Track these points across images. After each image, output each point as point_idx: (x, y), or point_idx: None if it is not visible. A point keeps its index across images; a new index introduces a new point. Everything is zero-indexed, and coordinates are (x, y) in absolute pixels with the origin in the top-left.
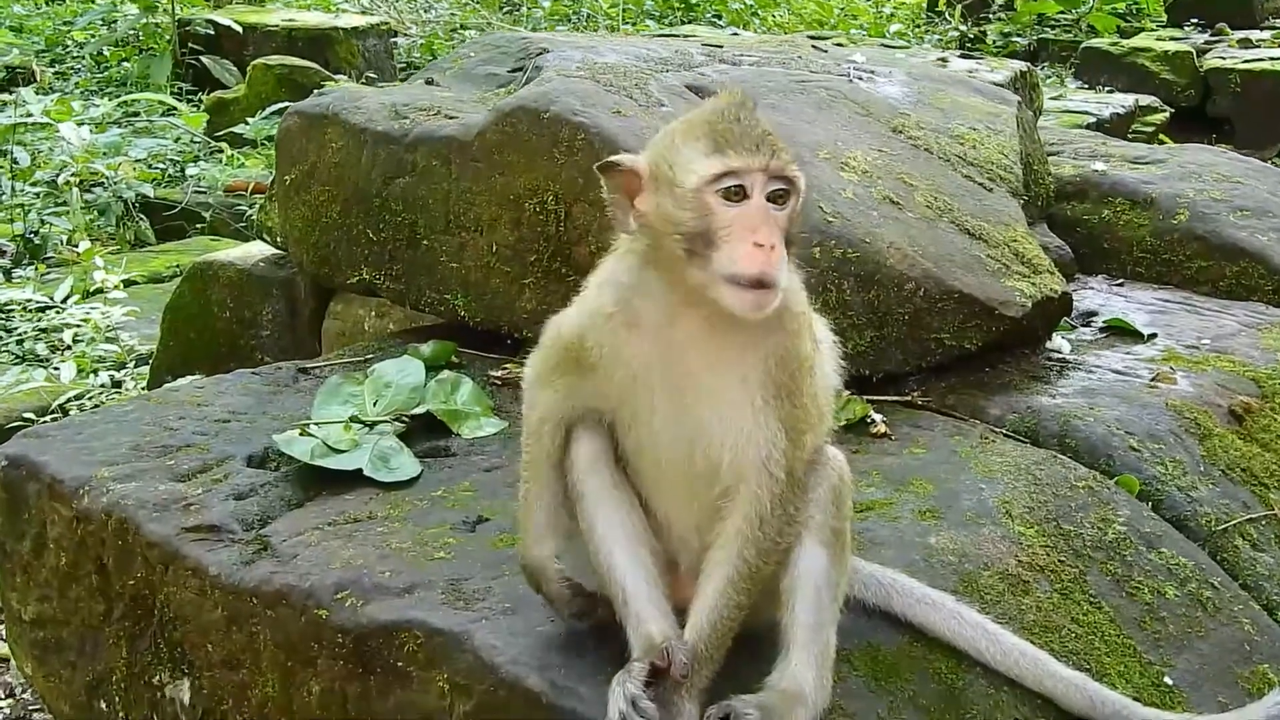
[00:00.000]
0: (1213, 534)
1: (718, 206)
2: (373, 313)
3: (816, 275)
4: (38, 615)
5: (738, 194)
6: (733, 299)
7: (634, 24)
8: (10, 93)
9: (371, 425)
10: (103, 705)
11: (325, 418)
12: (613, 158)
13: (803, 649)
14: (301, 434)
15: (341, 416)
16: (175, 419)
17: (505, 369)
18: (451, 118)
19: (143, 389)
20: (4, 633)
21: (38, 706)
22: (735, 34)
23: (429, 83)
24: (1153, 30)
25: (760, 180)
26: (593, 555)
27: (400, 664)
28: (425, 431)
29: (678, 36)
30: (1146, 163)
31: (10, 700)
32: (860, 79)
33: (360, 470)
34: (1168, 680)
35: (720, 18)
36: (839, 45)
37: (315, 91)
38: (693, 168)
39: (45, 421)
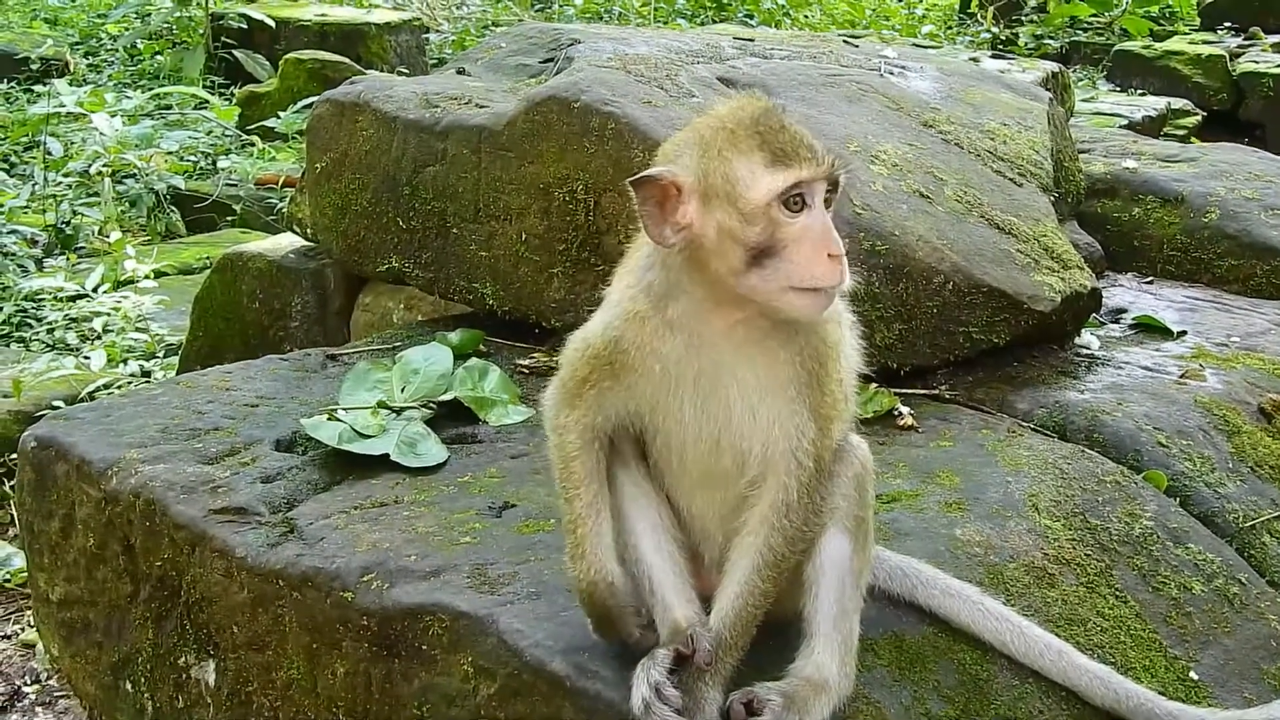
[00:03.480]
0: (1240, 530)
1: (782, 218)
2: (401, 304)
3: None
4: (65, 596)
5: (798, 204)
6: (797, 305)
7: (665, 22)
8: (44, 84)
9: (399, 411)
10: (128, 686)
11: (353, 403)
12: (648, 171)
13: (826, 637)
14: (329, 419)
15: (369, 402)
16: (204, 403)
17: (533, 358)
18: (482, 106)
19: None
20: (30, 618)
21: (63, 693)
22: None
23: (460, 72)
24: (1185, 34)
25: (821, 188)
26: (619, 544)
27: (425, 647)
28: (452, 418)
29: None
30: (1178, 161)
31: (36, 686)
32: (891, 74)
33: (387, 455)
34: (1193, 675)
35: (752, 17)
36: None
37: (347, 80)
38: (757, 183)
39: None
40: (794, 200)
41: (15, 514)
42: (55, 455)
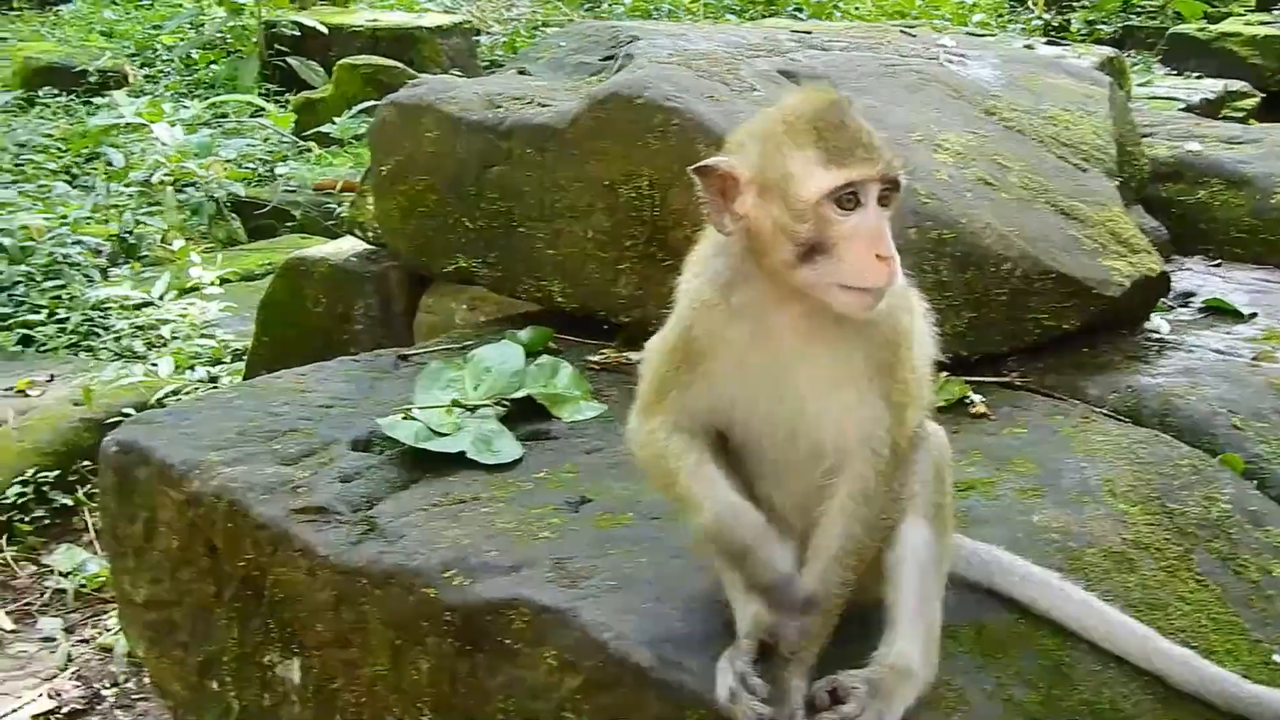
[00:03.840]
0: None
1: (833, 216)
2: (464, 305)
3: (913, 256)
4: (149, 597)
5: (851, 202)
6: (845, 301)
7: (715, 19)
8: (103, 96)
9: (473, 409)
10: (214, 685)
11: (427, 402)
12: (708, 161)
13: (909, 624)
14: (405, 418)
15: (443, 401)
16: (279, 405)
17: (602, 354)
18: (545, 106)
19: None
20: (108, 622)
21: (141, 695)
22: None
23: (521, 72)
24: (1241, 14)
25: (874, 188)
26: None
27: (508, 641)
28: (525, 415)
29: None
30: (1241, 142)
31: (115, 690)
32: (950, 62)
33: (463, 453)
34: (1276, 659)
35: (801, 11)
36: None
37: (409, 83)
38: (809, 180)
39: None
40: (846, 199)
41: (90, 519)
42: (137, 459)
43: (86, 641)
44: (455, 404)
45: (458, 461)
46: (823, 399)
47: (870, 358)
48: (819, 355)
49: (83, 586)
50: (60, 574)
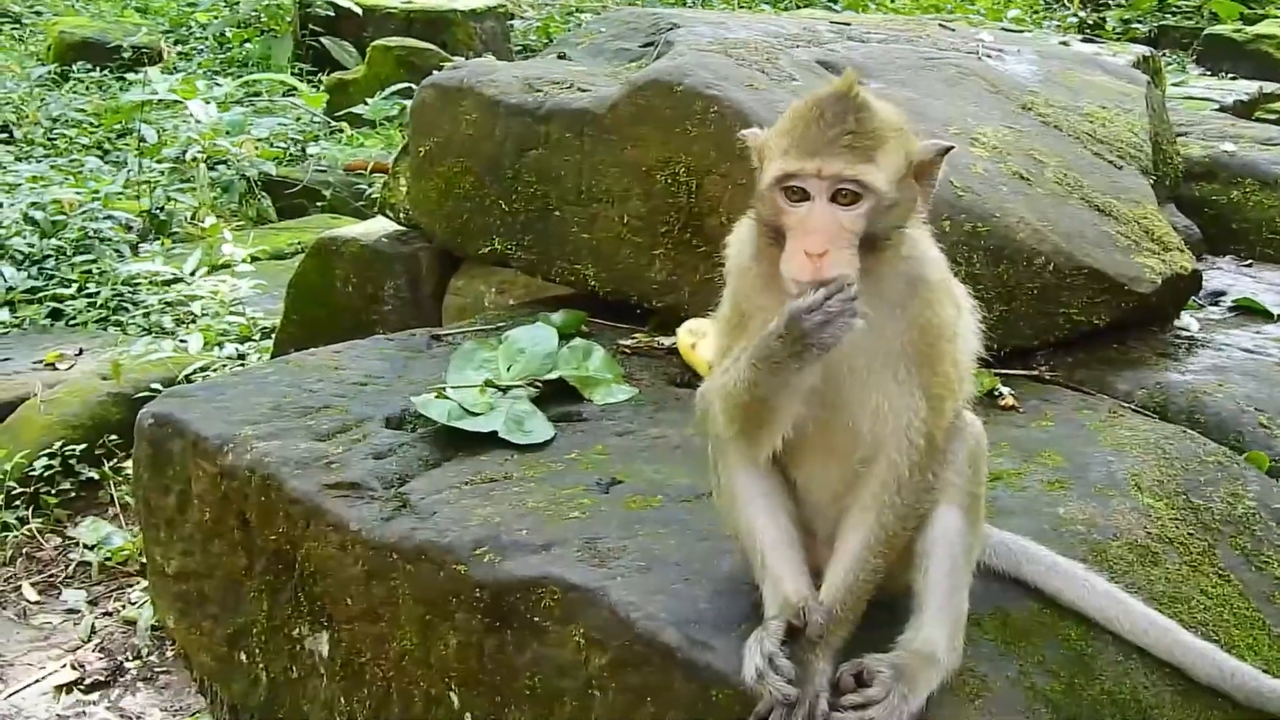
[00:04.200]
0: None
1: (785, 205)
2: (493, 288)
3: (947, 248)
4: (181, 569)
5: (799, 195)
6: (787, 287)
7: (750, 7)
8: (136, 72)
9: (505, 390)
10: (243, 657)
11: (460, 382)
12: (745, 131)
13: (936, 611)
14: (438, 397)
15: (476, 381)
16: (314, 382)
17: (634, 338)
18: (584, 91)
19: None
20: (131, 595)
21: (165, 669)
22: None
23: (561, 57)
24: (1277, 16)
25: (819, 184)
26: (732, 516)
27: (537, 618)
28: (558, 397)
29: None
30: (1276, 144)
31: (138, 662)
32: (989, 57)
33: (495, 432)
34: None
35: (835, 2)
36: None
37: (448, 65)
38: (769, 166)
39: None
40: (794, 190)
41: (115, 493)
42: (172, 432)
43: (110, 614)
44: (488, 384)
45: (490, 441)
46: (859, 385)
47: (911, 346)
48: (857, 341)
49: (107, 560)
50: (85, 547)
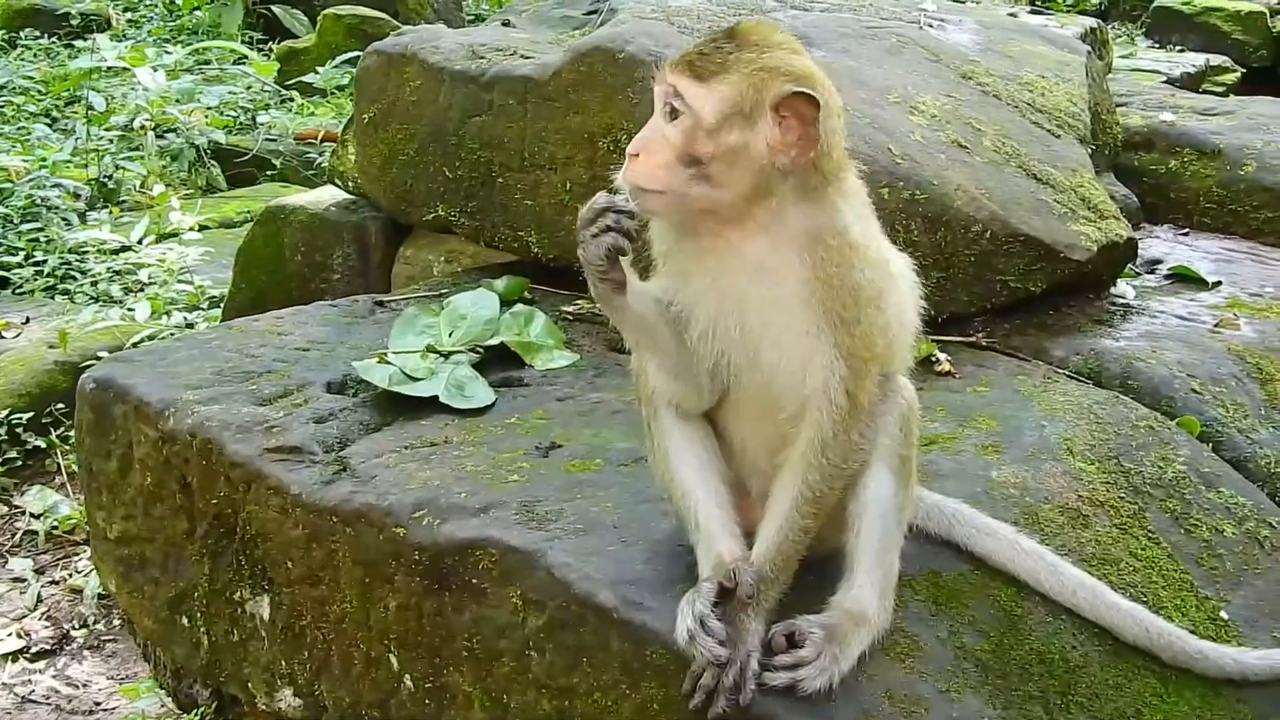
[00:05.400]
0: (1271, 475)
1: None
2: (442, 257)
3: (885, 216)
4: (123, 533)
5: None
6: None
7: None
8: (85, 39)
9: (447, 355)
10: (184, 620)
11: (402, 347)
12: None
13: (867, 572)
14: (379, 362)
15: (418, 346)
16: (256, 347)
17: (577, 304)
18: (527, 58)
19: None
20: (78, 564)
21: (111, 637)
22: None
23: (505, 24)
24: None
25: (660, 94)
26: (665, 478)
27: (475, 580)
28: (499, 362)
29: None
30: (1215, 114)
31: (84, 630)
32: (930, 26)
33: (436, 397)
34: (1223, 615)
35: None
36: None
37: (394, 32)
38: None
39: None
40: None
41: (63, 462)
42: (114, 396)
43: (57, 583)
44: (430, 349)
45: (430, 405)
46: (773, 342)
47: (820, 303)
48: (764, 293)
49: (54, 528)
50: (32, 515)
